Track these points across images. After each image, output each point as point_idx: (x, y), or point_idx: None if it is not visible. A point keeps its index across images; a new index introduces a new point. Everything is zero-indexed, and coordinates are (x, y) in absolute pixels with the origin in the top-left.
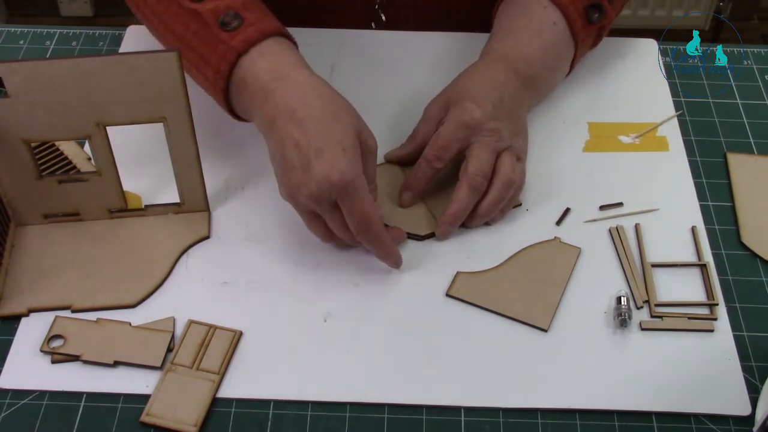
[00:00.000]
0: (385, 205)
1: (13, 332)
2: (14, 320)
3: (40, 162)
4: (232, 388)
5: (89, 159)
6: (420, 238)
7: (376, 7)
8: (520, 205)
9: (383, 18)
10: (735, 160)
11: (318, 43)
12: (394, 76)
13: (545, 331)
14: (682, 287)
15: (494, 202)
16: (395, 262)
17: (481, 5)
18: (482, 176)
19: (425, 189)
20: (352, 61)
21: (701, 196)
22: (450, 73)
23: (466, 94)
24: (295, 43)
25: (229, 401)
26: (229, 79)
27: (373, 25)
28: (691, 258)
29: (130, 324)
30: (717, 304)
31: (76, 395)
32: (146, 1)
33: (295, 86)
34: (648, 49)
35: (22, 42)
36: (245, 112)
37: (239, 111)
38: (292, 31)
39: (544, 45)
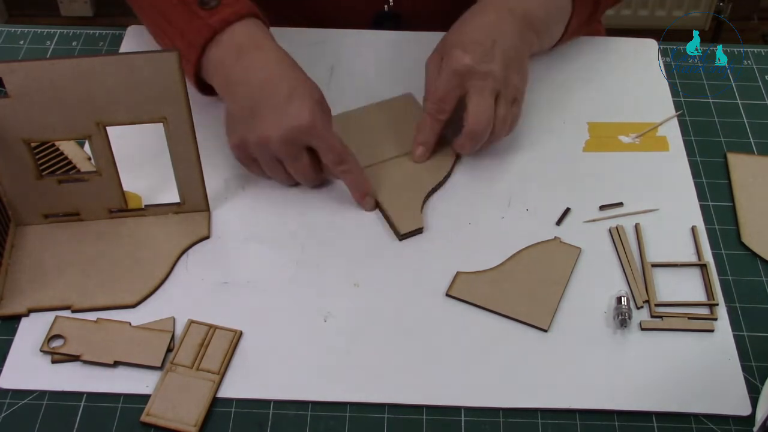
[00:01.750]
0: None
1: (13, 332)
2: (14, 320)
3: (40, 162)
4: (232, 388)
5: (89, 159)
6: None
7: None
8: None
9: (390, 2)
10: (735, 160)
11: (318, 43)
12: (395, 76)
13: (545, 331)
14: (682, 287)
15: (489, 143)
16: (370, 200)
17: None
18: (484, 125)
19: (436, 141)
20: (352, 61)
21: (701, 196)
22: None
23: (457, 41)
24: (267, 25)
25: (229, 401)
26: (201, 53)
27: (385, 7)
28: (691, 258)
29: (130, 324)
30: (717, 304)
31: (76, 395)
32: None
33: (269, 50)
34: (648, 49)
35: (22, 42)
36: (213, 75)
37: (207, 73)
38: (292, 31)
39: None
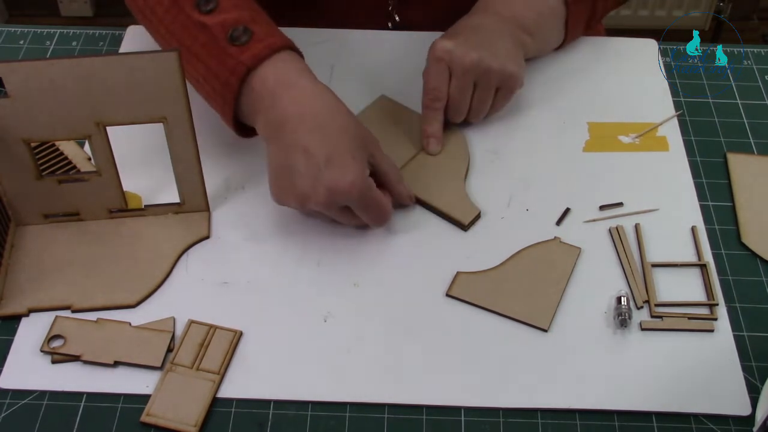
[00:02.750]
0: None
1: (13, 332)
2: (14, 320)
3: (40, 162)
4: (232, 388)
5: (89, 159)
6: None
7: (390, 8)
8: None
9: (397, 19)
10: (735, 160)
11: (318, 43)
12: (395, 77)
13: (545, 331)
14: (682, 287)
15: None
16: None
17: None
18: (458, 109)
19: (442, 129)
20: (352, 61)
21: (701, 196)
22: None
23: (446, 34)
24: (301, 55)
25: (229, 401)
26: (239, 91)
27: (390, 25)
28: (691, 258)
29: (130, 324)
30: (717, 304)
31: (76, 395)
32: (153, 11)
33: (302, 92)
34: (648, 49)
35: (22, 42)
36: (250, 119)
37: (244, 118)
38: (295, 31)
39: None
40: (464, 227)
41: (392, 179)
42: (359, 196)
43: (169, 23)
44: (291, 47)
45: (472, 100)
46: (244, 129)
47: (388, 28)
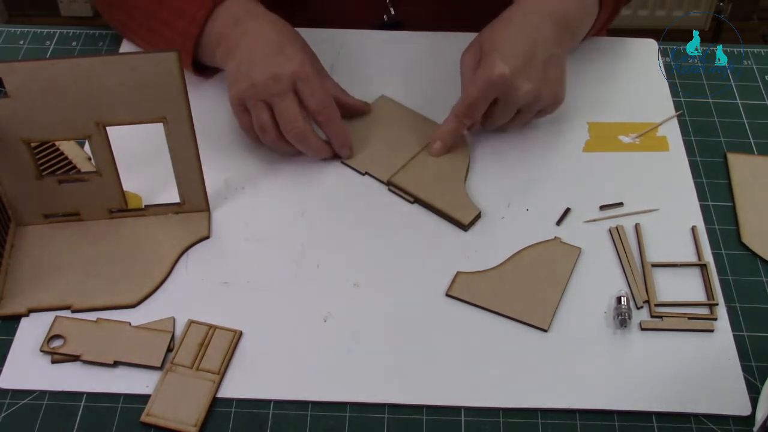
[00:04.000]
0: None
1: (13, 332)
2: (14, 320)
3: (40, 162)
4: (232, 388)
5: (89, 159)
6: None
7: (387, 1)
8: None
9: (392, 11)
10: (735, 160)
11: (318, 43)
12: (395, 76)
13: (545, 331)
14: (682, 287)
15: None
16: (348, 150)
17: (491, 12)
18: (484, 128)
19: (455, 142)
20: (352, 61)
21: (701, 196)
22: (451, 73)
23: (497, 45)
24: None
25: (229, 401)
26: (202, 28)
27: (385, 17)
28: (691, 258)
29: (130, 324)
30: (717, 304)
31: (76, 395)
32: None
33: (264, 16)
34: (648, 49)
35: (22, 42)
36: (210, 51)
37: (205, 53)
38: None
39: None
40: (464, 227)
41: (340, 95)
42: (306, 77)
43: None
44: None
45: (513, 119)
46: (201, 68)
47: (383, 20)
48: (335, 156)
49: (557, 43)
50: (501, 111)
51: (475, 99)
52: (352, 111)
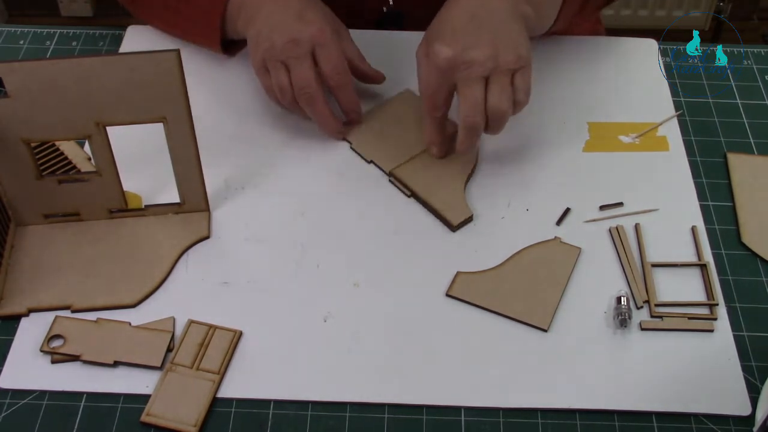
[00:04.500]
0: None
1: (13, 332)
2: (14, 320)
3: (40, 162)
4: (232, 388)
5: (89, 159)
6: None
7: None
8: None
9: (391, 2)
10: (735, 160)
11: None
12: (395, 76)
13: (545, 331)
14: (682, 287)
15: (494, 130)
16: (357, 114)
17: None
18: (475, 114)
19: (444, 136)
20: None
21: (701, 196)
22: None
23: (438, 32)
24: None
25: (229, 401)
26: (226, 3)
27: (384, 9)
28: (691, 258)
29: (130, 324)
30: (717, 304)
31: (76, 395)
32: None
33: None
34: (648, 49)
35: (22, 42)
36: (232, 22)
37: (227, 25)
38: None
39: None
40: (453, 228)
41: (357, 62)
42: (323, 42)
43: None
44: None
45: (488, 100)
46: (227, 48)
47: (382, 12)
48: (340, 133)
49: (509, 11)
50: (472, 92)
51: (433, 89)
52: (366, 78)
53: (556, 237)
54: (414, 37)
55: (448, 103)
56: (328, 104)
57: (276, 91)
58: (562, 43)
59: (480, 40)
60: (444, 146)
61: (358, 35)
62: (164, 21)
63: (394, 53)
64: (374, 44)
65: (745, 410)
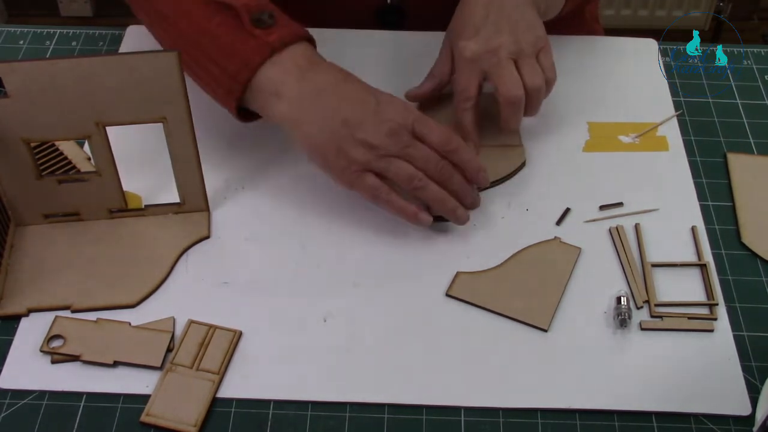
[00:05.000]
0: None
1: (13, 332)
2: (14, 320)
3: (40, 162)
4: (232, 388)
5: (89, 159)
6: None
7: None
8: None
9: (388, 0)
10: (735, 160)
11: (318, 42)
12: (395, 76)
13: (545, 331)
14: (682, 287)
15: (533, 109)
16: (484, 175)
17: None
18: (516, 88)
19: (478, 130)
20: (352, 61)
21: (701, 196)
22: None
23: (460, 30)
24: (315, 47)
25: (229, 401)
26: (254, 74)
27: (388, 1)
28: (691, 258)
29: (130, 324)
30: (717, 304)
31: (76, 395)
32: None
33: (332, 70)
34: (648, 49)
35: (22, 42)
36: (261, 102)
37: (255, 98)
38: None
39: None
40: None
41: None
42: (419, 118)
43: (179, 2)
44: (311, 39)
45: (523, 79)
46: (244, 115)
47: (384, 8)
48: (478, 200)
49: (516, 3)
50: (507, 72)
51: (465, 82)
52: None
53: (556, 237)
54: (414, 37)
55: (479, 94)
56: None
57: (402, 182)
58: (562, 43)
59: (499, 29)
60: (478, 141)
61: (358, 35)
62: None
63: (395, 53)
64: (374, 44)
65: (745, 410)
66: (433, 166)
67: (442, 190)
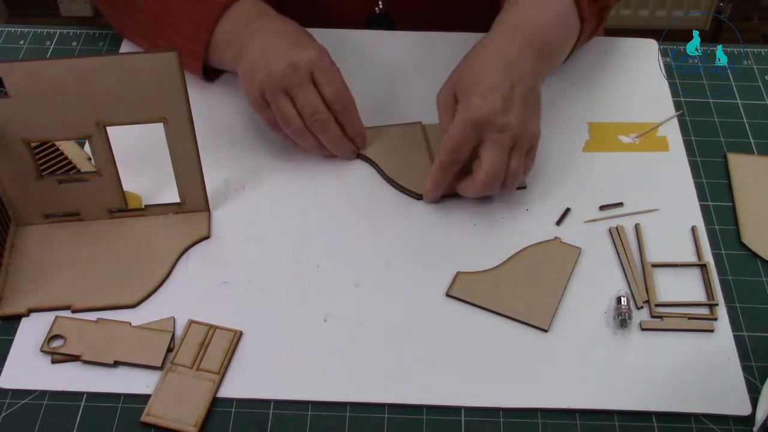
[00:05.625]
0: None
1: (13, 332)
2: (14, 320)
3: (40, 162)
4: (232, 388)
5: (89, 159)
6: (417, 196)
7: None
8: (525, 187)
9: (380, 4)
10: (735, 160)
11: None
12: (394, 77)
13: (545, 331)
14: (682, 287)
15: (508, 190)
16: (363, 139)
17: (478, 5)
18: (496, 180)
19: (448, 187)
20: (352, 61)
21: (701, 196)
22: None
23: (474, 85)
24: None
25: (229, 401)
26: (213, 31)
27: (377, 9)
28: (691, 258)
29: (130, 324)
30: (717, 304)
31: (76, 395)
32: None
33: (276, 17)
34: (648, 49)
35: (22, 42)
36: (219, 53)
37: (213, 55)
38: None
39: (555, 13)
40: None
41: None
42: (323, 66)
43: None
44: None
45: (510, 165)
46: (209, 71)
47: (373, 13)
48: (354, 153)
49: (534, 74)
50: (499, 158)
51: (459, 142)
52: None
53: (556, 237)
54: (404, 38)
55: (466, 159)
56: (339, 127)
57: (280, 121)
58: None
59: (510, 107)
60: (439, 195)
61: (349, 36)
62: (147, 41)
63: (385, 53)
64: (366, 45)
65: (745, 410)
66: (308, 114)
67: (313, 139)
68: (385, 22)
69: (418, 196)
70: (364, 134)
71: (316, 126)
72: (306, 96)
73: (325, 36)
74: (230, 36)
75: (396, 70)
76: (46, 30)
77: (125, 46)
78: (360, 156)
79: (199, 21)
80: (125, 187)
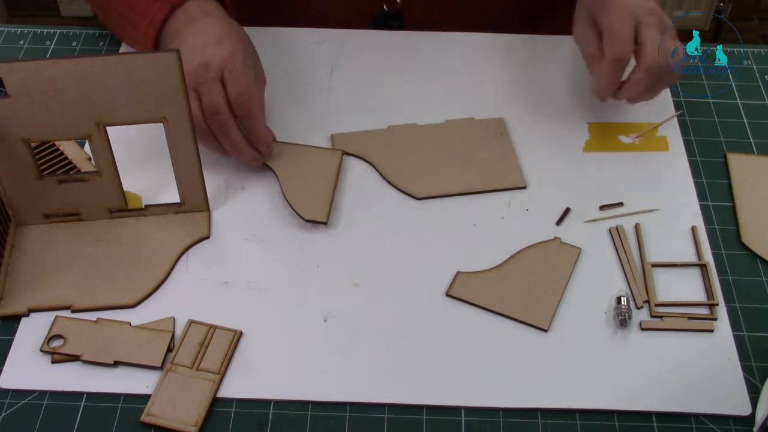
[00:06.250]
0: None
1: (13, 332)
2: (14, 320)
3: (40, 162)
4: (232, 388)
5: (89, 159)
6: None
7: None
8: (525, 187)
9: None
10: (735, 160)
11: (318, 43)
12: (394, 76)
13: (545, 331)
14: (682, 287)
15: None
16: (267, 148)
17: (487, 5)
18: (661, 64)
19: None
20: (352, 61)
21: (701, 196)
22: (450, 73)
23: None
24: (223, 4)
25: (229, 401)
26: (160, 30)
27: (385, 7)
28: (691, 258)
29: (130, 324)
30: (717, 304)
31: (76, 395)
32: None
33: (217, 18)
34: None
35: (22, 42)
36: (169, 46)
37: (164, 46)
38: (292, 31)
39: None
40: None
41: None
42: (233, 67)
43: None
44: None
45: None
46: None
47: (382, 10)
48: (257, 161)
49: None
50: (653, 38)
51: (627, 34)
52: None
53: (556, 237)
54: (412, 38)
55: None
56: (241, 133)
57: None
58: (563, 43)
59: None
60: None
61: (357, 35)
62: (118, 35)
63: (394, 53)
64: (374, 44)
65: (745, 410)
66: (209, 114)
67: (213, 140)
68: (396, 21)
69: (304, 220)
70: (270, 142)
71: (215, 127)
72: (210, 95)
73: (326, 36)
74: (174, 35)
75: (396, 71)
76: (46, 30)
77: (125, 46)
78: (266, 165)
79: (150, 18)
80: (125, 187)
